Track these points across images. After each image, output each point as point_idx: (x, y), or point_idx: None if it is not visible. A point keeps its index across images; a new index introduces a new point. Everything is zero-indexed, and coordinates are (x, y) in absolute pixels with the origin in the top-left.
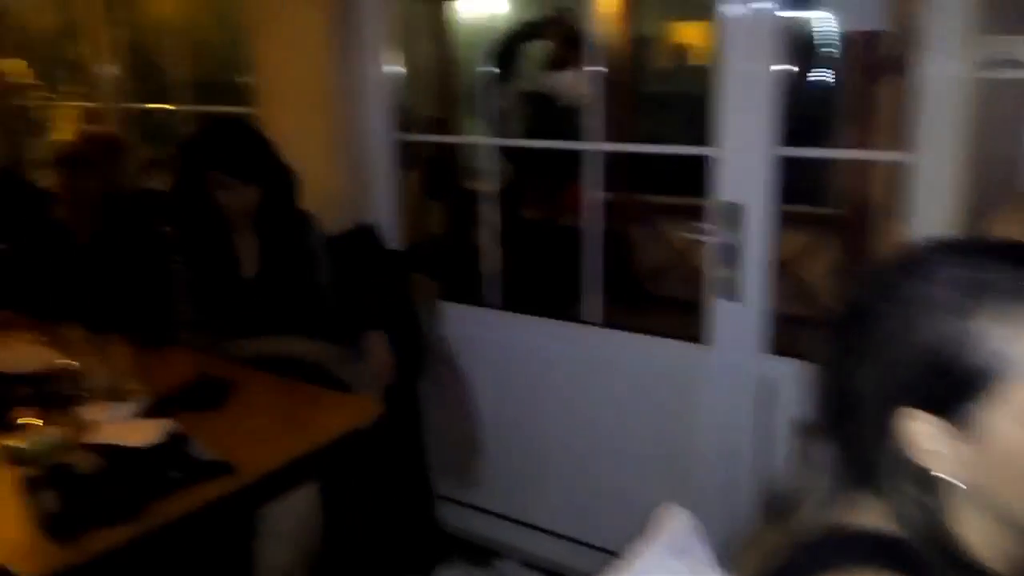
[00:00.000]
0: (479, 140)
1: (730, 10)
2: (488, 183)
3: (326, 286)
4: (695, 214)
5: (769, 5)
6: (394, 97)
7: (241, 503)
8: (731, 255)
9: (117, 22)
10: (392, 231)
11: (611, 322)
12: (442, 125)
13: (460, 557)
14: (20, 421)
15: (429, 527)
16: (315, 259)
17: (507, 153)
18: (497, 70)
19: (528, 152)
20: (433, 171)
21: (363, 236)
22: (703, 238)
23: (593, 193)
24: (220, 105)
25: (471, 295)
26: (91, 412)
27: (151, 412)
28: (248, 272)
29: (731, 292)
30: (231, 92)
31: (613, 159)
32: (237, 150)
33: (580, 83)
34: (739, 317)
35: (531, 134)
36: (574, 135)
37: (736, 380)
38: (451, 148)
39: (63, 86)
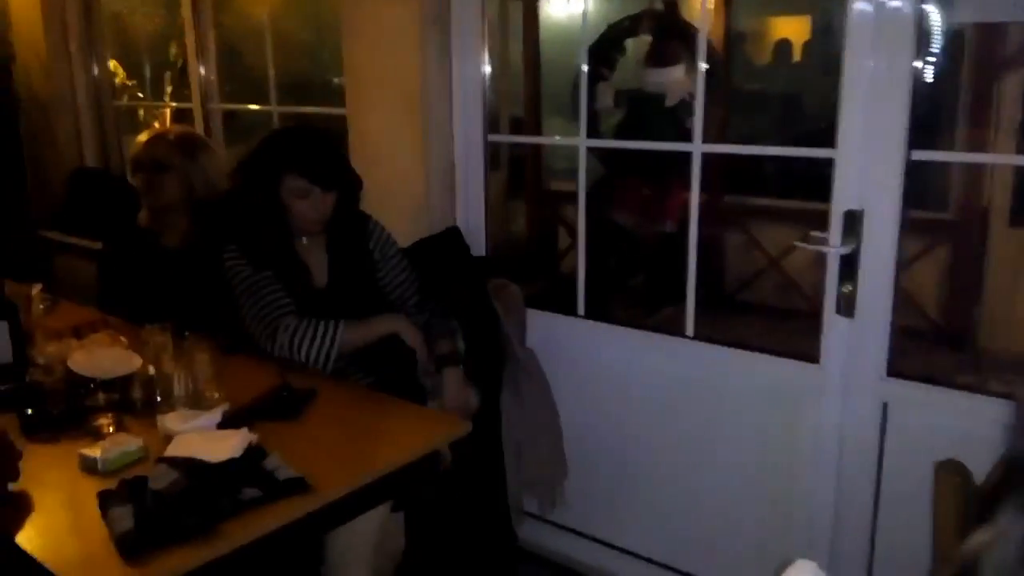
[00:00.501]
0: (576, 141)
1: (857, 4)
2: (576, 185)
3: (400, 293)
4: (790, 218)
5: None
6: (485, 97)
7: (317, 524)
8: (849, 266)
9: (208, 23)
10: (479, 235)
11: (699, 332)
12: (525, 125)
13: None
14: (98, 429)
15: (508, 544)
16: (385, 265)
17: (599, 154)
18: (594, 67)
19: (621, 153)
20: (516, 172)
21: (448, 240)
22: (815, 247)
23: (693, 197)
24: (310, 106)
25: (554, 302)
26: (171, 421)
27: (231, 421)
28: (319, 283)
29: (848, 307)
30: (321, 93)
31: (703, 159)
32: (319, 155)
33: (685, 79)
34: (856, 335)
35: (626, 134)
36: (673, 135)
37: (853, 405)
38: (535, 148)
39: (157, 86)
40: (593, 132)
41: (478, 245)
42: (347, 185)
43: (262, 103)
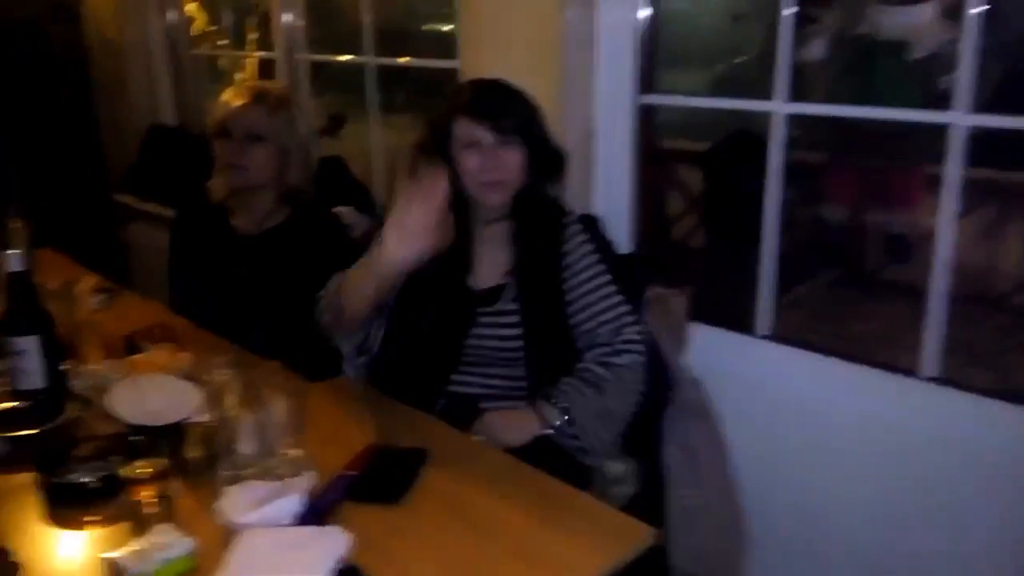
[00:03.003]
0: (771, 106)
1: None
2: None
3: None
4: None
5: None
6: (639, 47)
7: None
8: None
9: None
10: (622, 225)
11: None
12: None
13: None
14: (137, 508)
15: None
16: (572, 277)
17: (806, 124)
18: (802, 4)
19: (834, 124)
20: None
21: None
22: None
23: (949, 186)
24: (408, 56)
25: (719, 314)
26: (234, 505)
27: (314, 513)
28: (479, 284)
29: None
30: (421, 42)
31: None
32: (498, 96)
33: (940, 22)
34: None
35: (845, 95)
36: (916, 98)
37: None
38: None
39: (240, 33)
40: (795, 93)
41: (621, 239)
42: (537, 144)
43: (354, 53)
